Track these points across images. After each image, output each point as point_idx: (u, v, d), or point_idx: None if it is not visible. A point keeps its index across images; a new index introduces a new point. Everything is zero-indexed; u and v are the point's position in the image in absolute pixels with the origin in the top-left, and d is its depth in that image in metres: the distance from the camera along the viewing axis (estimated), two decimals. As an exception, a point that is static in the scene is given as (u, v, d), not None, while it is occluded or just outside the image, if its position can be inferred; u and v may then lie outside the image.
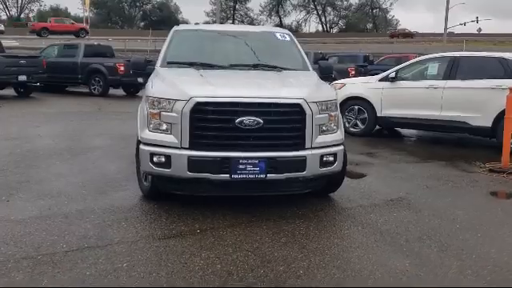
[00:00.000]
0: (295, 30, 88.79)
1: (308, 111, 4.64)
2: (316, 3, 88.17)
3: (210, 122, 4.55)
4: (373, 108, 10.01)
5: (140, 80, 17.53)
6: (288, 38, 6.44)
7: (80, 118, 11.73)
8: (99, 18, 79.79)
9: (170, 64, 5.79)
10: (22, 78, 15.41)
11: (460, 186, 6.26)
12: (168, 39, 6.21)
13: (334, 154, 4.89)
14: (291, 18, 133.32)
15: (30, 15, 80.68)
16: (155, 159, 4.68)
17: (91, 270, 3.55)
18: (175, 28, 6.45)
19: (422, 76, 9.63)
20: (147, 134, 4.78)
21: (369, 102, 10.01)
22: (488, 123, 8.71)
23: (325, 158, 4.80)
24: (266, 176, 4.58)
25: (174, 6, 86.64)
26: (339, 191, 5.53)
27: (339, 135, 5.01)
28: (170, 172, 4.63)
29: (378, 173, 6.92)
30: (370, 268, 3.71)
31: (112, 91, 18.00)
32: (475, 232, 4.57)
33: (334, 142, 4.92)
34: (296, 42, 6.44)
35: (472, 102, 8.85)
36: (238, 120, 4.49)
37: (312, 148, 4.72)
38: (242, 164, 4.53)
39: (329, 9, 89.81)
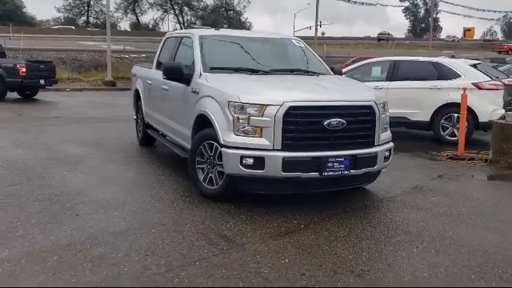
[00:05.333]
0: (152, 29, 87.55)
1: (377, 111, 5.23)
2: (173, 3, 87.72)
3: (301, 125, 4.90)
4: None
5: (42, 82, 16.42)
6: (303, 45, 6.93)
7: (11, 125, 10.76)
8: None
9: (213, 69, 5.91)
10: None
11: (447, 173, 7.31)
12: (197, 45, 6.26)
13: (390, 150, 5.55)
14: (148, 17, 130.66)
15: None
16: (245, 161, 4.88)
17: (267, 269, 3.74)
18: (199, 33, 6.51)
19: (368, 77, 10.74)
20: (233, 138, 4.95)
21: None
22: (427, 118, 10.09)
23: (386, 153, 5.44)
24: (349, 172, 5.07)
25: (18, 0, 79.37)
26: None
27: (390, 133, 5.68)
28: (264, 173, 4.87)
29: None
30: (475, 242, 4.43)
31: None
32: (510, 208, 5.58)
33: (389, 138, 5.59)
34: (309, 48, 6.95)
35: (412, 100, 10.15)
36: (326, 122, 4.90)
37: (380, 145, 5.33)
38: (330, 162, 4.96)
39: (186, 8, 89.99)
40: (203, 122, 5.48)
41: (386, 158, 5.47)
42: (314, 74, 6.26)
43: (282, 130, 4.83)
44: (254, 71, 5.93)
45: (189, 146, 5.94)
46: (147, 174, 6.62)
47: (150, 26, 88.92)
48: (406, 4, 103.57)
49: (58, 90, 20.29)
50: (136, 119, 9.00)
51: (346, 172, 5.04)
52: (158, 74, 7.31)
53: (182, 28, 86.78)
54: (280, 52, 6.73)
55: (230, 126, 4.98)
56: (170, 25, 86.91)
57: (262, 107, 4.85)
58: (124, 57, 29.52)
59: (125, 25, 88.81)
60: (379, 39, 76.95)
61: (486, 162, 8.06)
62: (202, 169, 5.52)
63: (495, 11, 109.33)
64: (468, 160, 8.23)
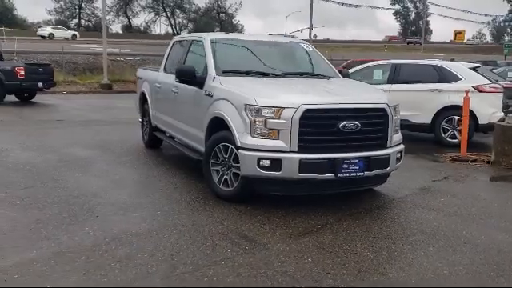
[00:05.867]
0: (144, 32, 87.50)
1: (389, 114, 5.35)
2: (164, 5, 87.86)
3: (317, 127, 5.01)
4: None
5: (40, 85, 16.41)
6: (311, 48, 7.04)
7: (14, 128, 10.76)
8: None
9: (226, 73, 5.99)
10: None
11: (452, 175, 7.45)
12: (208, 48, 6.33)
13: (401, 152, 5.67)
14: (140, 19, 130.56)
15: None
16: (262, 163, 4.97)
17: (292, 268, 3.84)
18: (210, 37, 6.59)
19: (370, 80, 10.87)
20: (250, 140, 5.04)
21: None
22: (428, 120, 10.24)
23: (397, 155, 5.56)
24: (364, 173, 5.18)
25: (9, 2, 78.99)
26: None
27: (400, 135, 5.80)
28: (281, 174, 4.97)
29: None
30: (489, 241, 4.55)
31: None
32: (515, 208, 5.74)
33: (400, 140, 5.70)
34: (317, 51, 7.07)
35: (413, 102, 10.28)
36: (341, 124, 5.02)
37: (392, 147, 5.44)
38: (345, 164, 5.07)
39: (177, 11, 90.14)
40: (218, 125, 5.56)
41: (398, 160, 5.59)
42: (324, 77, 6.37)
43: (298, 132, 4.93)
44: (265, 74, 6.03)
45: (202, 148, 6.02)
46: (158, 176, 6.69)
47: (142, 28, 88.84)
48: (397, 7, 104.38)
49: (55, 92, 20.19)
50: (142, 122, 9.05)
51: (360, 173, 5.15)
52: (167, 77, 7.41)
53: (174, 31, 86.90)
54: (289, 55, 6.84)
55: (246, 128, 5.07)
56: (161, 27, 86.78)
57: (279, 110, 4.95)
58: (119, 59, 29.45)
59: (116, 27, 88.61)
60: (408, 42, 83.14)
61: (489, 164, 8.21)
62: (217, 170, 5.60)
63: (486, 15, 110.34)
64: (471, 161, 8.38)
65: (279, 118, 4.95)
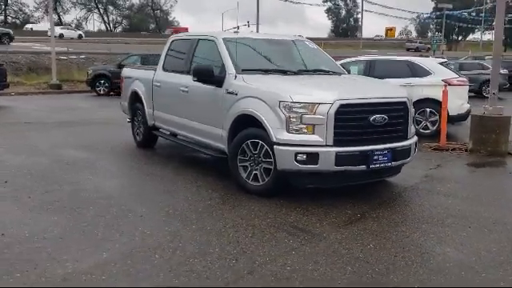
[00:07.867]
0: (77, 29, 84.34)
1: (409, 107, 5.72)
2: (97, 1, 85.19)
3: (350, 121, 5.28)
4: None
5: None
6: (315, 47, 7.31)
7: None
8: None
9: (245, 71, 6.11)
10: None
11: (442, 163, 7.99)
12: (223, 48, 6.40)
13: (416, 143, 6.06)
14: (71, 16, 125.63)
15: None
16: (299, 157, 5.19)
17: (361, 254, 4.08)
18: (222, 36, 6.67)
19: (346, 76, 11.32)
20: (287, 136, 5.24)
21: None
22: (402, 113, 10.80)
23: (414, 146, 5.94)
24: (391, 164, 5.51)
25: None
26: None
27: (413, 127, 6.18)
28: (318, 167, 5.20)
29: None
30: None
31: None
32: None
33: (414, 132, 6.09)
34: (320, 49, 7.35)
35: (388, 96, 10.83)
36: (371, 118, 5.32)
37: (411, 138, 5.82)
38: (376, 155, 5.38)
39: (110, 8, 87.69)
40: (244, 122, 5.70)
41: (415, 150, 5.97)
42: (335, 73, 6.66)
43: (333, 126, 5.17)
44: (283, 72, 6.22)
45: (221, 146, 6.14)
46: (171, 174, 6.68)
47: (73, 25, 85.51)
48: (329, 4, 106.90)
49: (2, 94, 19.24)
50: (132, 122, 8.94)
51: (388, 164, 5.48)
52: (170, 76, 7.43)
53: (107, 28, 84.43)
54: (297, 53, 7.04)
55: (282, 124, 5.25)
56: (94, 24, 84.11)
57: (314, 106, 5.17)
58: (63, 58, 28.39)
59: (46, 25, 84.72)
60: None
61: (467, 152, 8.84)
62: (245, 167, 5.73)
63: (411, 12, 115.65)
64: (451, 150, 8.97)
65: (315, 114, 5.17)
